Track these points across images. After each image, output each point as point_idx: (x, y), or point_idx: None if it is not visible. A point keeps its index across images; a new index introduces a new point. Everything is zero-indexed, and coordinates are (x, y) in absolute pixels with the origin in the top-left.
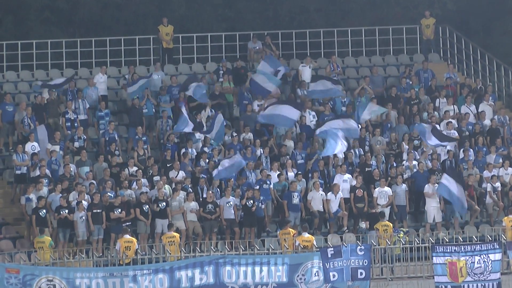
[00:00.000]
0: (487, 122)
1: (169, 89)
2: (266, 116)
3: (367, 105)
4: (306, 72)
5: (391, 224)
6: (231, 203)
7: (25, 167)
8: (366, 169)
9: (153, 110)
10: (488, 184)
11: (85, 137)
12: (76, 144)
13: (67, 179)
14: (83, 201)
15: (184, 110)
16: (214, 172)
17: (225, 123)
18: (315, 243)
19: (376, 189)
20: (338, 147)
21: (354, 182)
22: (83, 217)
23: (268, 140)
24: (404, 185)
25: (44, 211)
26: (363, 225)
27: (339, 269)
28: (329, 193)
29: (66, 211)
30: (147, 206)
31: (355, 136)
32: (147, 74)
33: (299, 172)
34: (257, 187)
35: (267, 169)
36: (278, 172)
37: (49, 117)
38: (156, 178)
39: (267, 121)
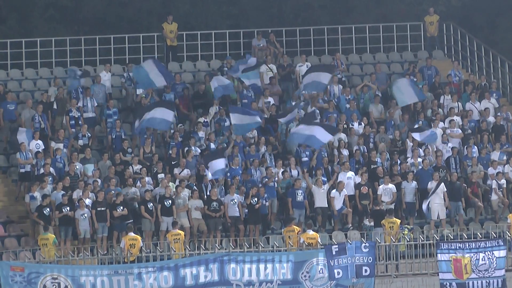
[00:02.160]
0: (491, 119)
1: (173, 86)
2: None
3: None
4: (304, 71)
5: (398, 221)
6: (236, 200)
7: (29, 165)
8: (372, 166)
9: None
10: (493, 181)
11: (90, 135)
12: (80, 142)
13: (70, 177)
14: (87, 199)
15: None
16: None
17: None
18: (319, 240)
19: (380, 186)
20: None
21: (359, 179)
22: (85, 215)
23: (274, 137)
24: (414, 183)
25: (48, 209)
26: (368, 222)
27: (344, 266)
28: (333, 191)
29: (68, 208)
30: (151, 204)
31: (316, 146)
32: None
33: (305, 169)
34: (260, 185)
35: (271, 166)
36: (282, 170)
37: (59, 114)
38: (161, 175)
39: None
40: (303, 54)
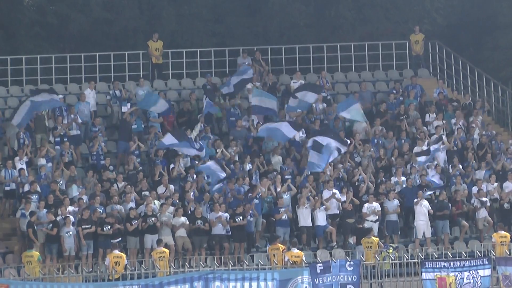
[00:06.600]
0: (476, 137)
1: None
2: (264, 129)
3: (352, 104)
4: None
5: (377, 240)
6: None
7: (14, 183)
8: (356, 184)
9: (142, 126)
10: (476, 199)
11: (74, 152)
12: (65, 159)
13: (54, 195)
14: (71, 216)
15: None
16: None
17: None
18: (304, 258)
19: (365, 205)
20: (324, 160)
21: (344, 198)
22: (70, 232)
23: (259, 155)
24: (396, 201)
25: (36, 226)
26: (352, 240)
27: (328, 284)
28: (317, 209)
29: (50, 226)
30: (136, 221)
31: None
32: (135, 89)
33: (284, 184)
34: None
35: (256, 184)
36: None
37: (37, 132)
38: (145, 193)
39: (264, 134)
40: (297, 72)
